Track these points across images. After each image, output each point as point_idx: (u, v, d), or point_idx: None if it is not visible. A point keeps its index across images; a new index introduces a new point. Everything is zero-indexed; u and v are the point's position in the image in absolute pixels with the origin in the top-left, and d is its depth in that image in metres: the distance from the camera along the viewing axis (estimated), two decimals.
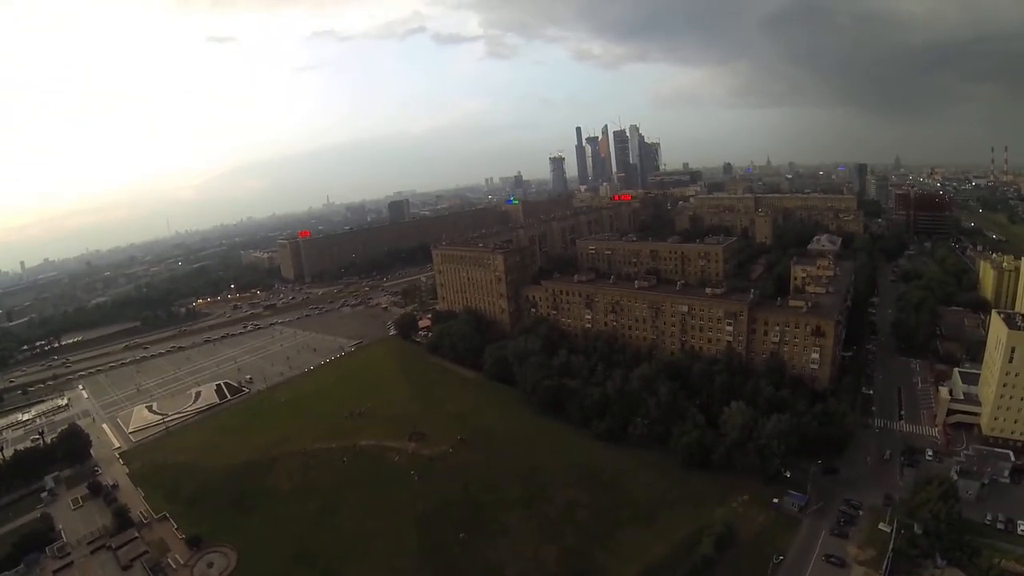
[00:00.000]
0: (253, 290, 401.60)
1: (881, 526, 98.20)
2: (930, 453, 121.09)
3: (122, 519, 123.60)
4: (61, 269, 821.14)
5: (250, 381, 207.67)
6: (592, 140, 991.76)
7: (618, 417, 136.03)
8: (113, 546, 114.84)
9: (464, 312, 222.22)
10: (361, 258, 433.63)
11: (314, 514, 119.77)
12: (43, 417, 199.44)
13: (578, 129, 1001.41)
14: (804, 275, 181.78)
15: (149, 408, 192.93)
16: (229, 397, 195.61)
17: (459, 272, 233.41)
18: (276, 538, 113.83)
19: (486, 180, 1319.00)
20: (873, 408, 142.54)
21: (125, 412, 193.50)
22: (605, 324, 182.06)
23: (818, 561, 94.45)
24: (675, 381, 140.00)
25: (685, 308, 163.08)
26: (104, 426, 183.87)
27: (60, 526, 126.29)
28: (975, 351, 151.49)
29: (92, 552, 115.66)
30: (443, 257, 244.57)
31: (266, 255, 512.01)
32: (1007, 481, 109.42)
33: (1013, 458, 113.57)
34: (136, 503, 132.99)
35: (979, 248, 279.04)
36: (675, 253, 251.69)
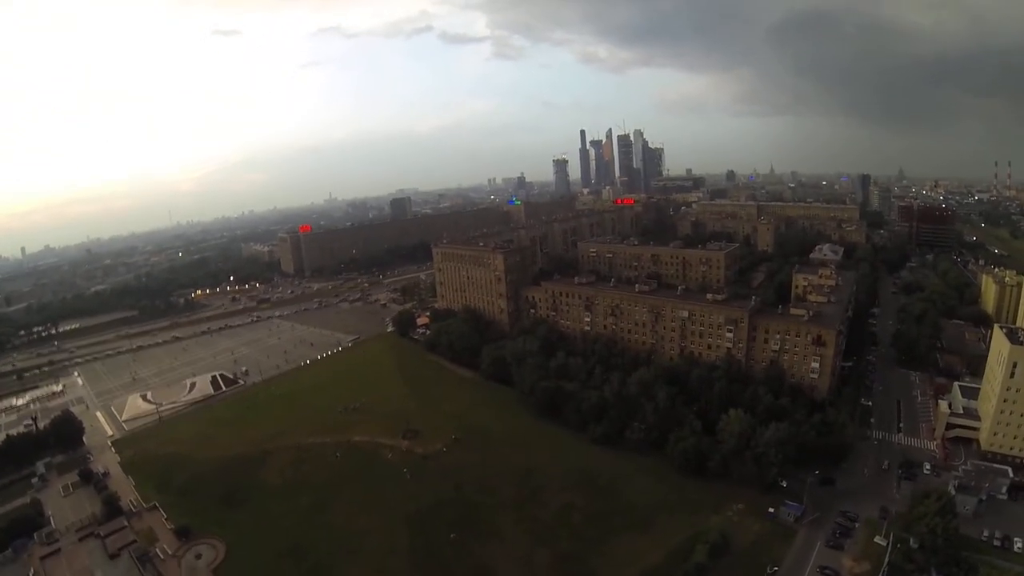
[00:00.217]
0: (252, 283, 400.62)
1: (877, 539, 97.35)
2: (928, 467, 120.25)
3: (112, 507, 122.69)
4: (61, 256, 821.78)
5: (246, 373, 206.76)
6: (596, 143, 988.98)
7: (615, 421, 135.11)
8: (102, 534, 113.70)
9: (463, 311, 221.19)
10: (361, 254, 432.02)
11: (305, 510, 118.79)
12: (37, 403, 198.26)
13: (582, 132, 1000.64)
14: (806, 283, 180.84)
15: (144, 397, 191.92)
16: (224, 389, 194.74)
17: (459, 271, 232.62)
18: (266, 532, 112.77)
19: (489, 180, 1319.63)
20: (872, 419, 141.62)
21: (119, 400, 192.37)
22: (604, 327, 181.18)
23: (813, 573, 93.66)
24: (673, 386, 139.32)
25: (685, 313, 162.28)
26: (98, 414, 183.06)
27: (50, 512, 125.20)
28: (975, 365, 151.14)
29: (80, 539, 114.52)
30: (443, 255, 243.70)
31: (266, 248, 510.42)
32: (1004, 498, 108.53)
33: (1011, 474, 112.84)
34: (126, 492, 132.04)
35: (981, 262, 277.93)
36: (676, 258, 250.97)
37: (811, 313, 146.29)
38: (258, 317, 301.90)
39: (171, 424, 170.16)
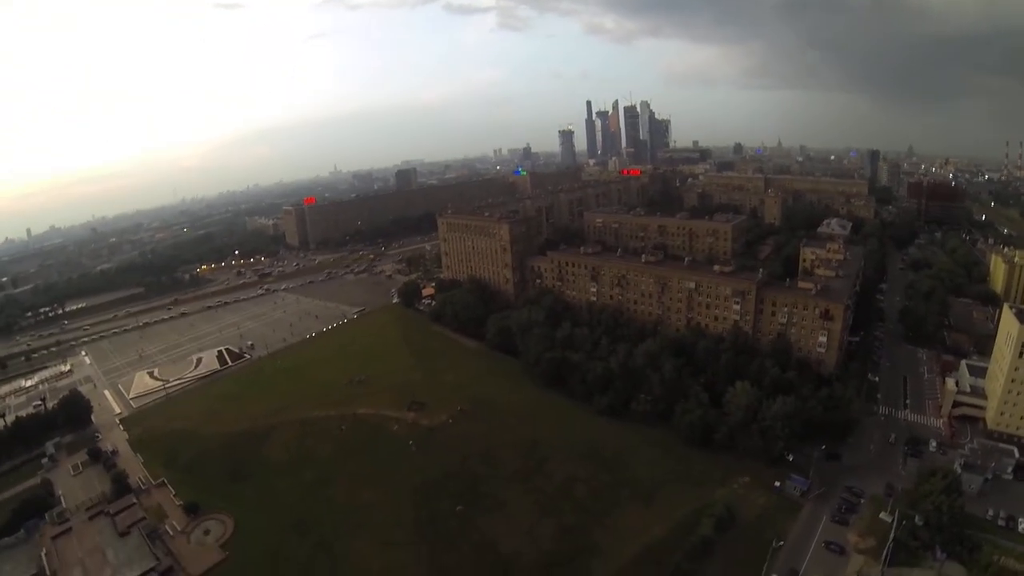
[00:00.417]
0: (257, 256, 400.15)
1: (882, 515, 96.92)
2: (934, 444, 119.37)
3: (121, 485, 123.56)
4: (67, 236, 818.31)
5: (251, 347, 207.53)
6: (602, 115, 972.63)
7: (621, 392, 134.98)
8: (111, 512, 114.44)
9: (468, 281, 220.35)
10: (366, 226, 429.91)
11: (311, 484, 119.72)
12: (46, 383, 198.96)
13: (588, 103, 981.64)
14: (814, 257, 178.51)
15: (150, 374, 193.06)
16: (230, 363, 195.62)
17: (464, 241, 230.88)
18: (272, 507, 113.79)
19: (495, 151, 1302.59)
20: (878, 395, 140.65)
21: (127, 378, 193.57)
22: (610, 298, 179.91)
23: (818, 547, 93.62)
24: (680, 358, 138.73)
25: (692, 284, 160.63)
26: (105, 392, 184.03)
27: (60, 492, 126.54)
28: (983, 344, 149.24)
29: (90, 518, 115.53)
30: (448, 226, 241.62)
31: (271, 222, 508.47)
32: (1010, 477, 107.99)
33: (1017, 454, 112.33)
34: (135, 469, 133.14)
35: (990, 241, 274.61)
36: (683, 229, 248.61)
37: (819, 287, 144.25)
38: (265, 290, 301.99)
39: (178, 400, 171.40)
